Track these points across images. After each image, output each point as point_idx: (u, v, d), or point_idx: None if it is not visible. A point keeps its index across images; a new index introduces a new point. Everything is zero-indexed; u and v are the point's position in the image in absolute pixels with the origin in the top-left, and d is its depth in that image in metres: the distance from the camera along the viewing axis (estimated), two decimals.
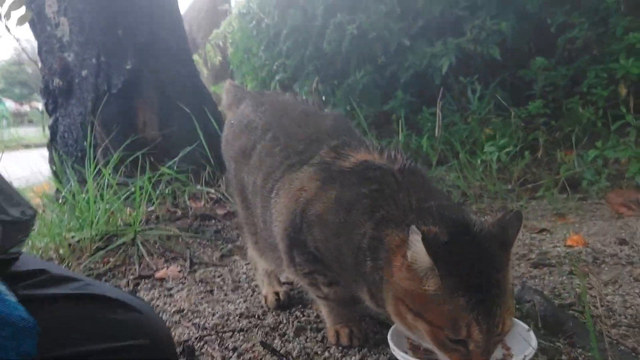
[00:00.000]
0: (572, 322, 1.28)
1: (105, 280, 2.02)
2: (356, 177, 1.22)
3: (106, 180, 2.45)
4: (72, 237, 2.21)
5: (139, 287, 1.92)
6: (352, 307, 1.37)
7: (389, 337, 1.18)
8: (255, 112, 1.61)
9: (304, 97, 1.61)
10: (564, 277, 1.66)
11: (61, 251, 2.12)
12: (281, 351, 1.34)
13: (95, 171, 2.46)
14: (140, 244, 2.21)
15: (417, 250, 0.97)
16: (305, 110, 1.51)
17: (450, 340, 0.98)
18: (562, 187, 2.77)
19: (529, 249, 1.94)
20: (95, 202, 2.30)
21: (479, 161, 3.00)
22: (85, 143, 2.93)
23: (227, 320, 1.57)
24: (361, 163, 1.25)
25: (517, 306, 1.35)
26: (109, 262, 2.13)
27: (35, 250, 2.14)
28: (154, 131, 3.29)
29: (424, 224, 1.03)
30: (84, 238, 2.17)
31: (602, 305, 1.41)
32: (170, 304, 1.73)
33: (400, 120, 3.65)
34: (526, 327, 1.16)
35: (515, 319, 1.15)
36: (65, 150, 3.20)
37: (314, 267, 1.31)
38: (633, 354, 1.16)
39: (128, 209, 2.52)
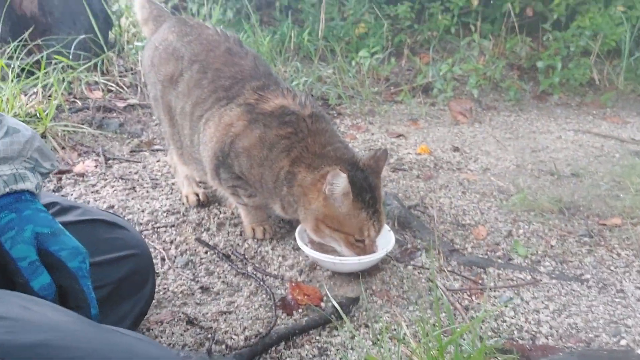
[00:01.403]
0: (416, 221, 1.86)
1: None
2: (276, 121, 1.59)
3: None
4: None
5: (62, 182, 2.15)
6: (264, 210, 1.81)
7: (296, 233, 1.66)
8: (180, 41, 1.83)
9: (225, 32, 1.85)
10: (413, 181, 2.25)
11: None
12: (210, 243, 1.77)
13: None
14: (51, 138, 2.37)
15: (339, 183, 1.42)
16: (229, 48, 1.77)
17: (356, 240, 1.50)
18: (417, 93, 3.35)
19: (390, 155, 2.50)
20: None
21: (353, 63, 3.44)
22: None
23: (157, 217, 1.93)
24: (279, 108, 1.61)
25: None
26: None
27: None
28: (32, 5, 3.18)
29: (328, 165, 1.49)
30: None
31: (436, 207, 2.02)
32: (100, 201, 2.02)
33: (284, 10, 3.91)
34: (387, 227, 1.71)
35: None
36: None
37: (237, 183, 1.71)
38: (450, 243, 1.78)
39: (24, 97, 2.59)
